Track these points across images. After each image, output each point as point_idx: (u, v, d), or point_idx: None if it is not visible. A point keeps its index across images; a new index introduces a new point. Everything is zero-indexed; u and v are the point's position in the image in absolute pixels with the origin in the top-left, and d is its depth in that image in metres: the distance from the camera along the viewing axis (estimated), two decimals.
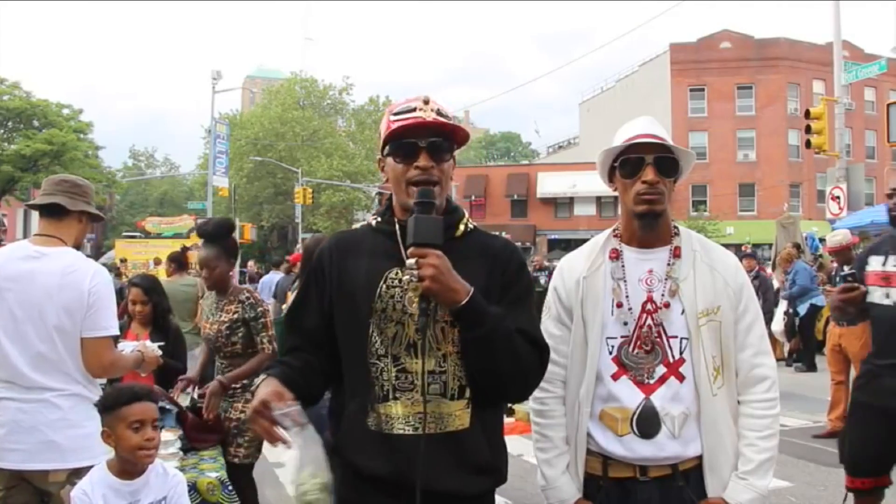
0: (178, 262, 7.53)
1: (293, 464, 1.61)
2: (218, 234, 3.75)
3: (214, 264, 3.64)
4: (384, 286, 1.74)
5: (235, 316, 3.58)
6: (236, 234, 3.60)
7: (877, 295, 3.20)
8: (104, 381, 3.80)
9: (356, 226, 1.99)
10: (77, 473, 2.53)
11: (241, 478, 3.63)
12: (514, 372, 1.72)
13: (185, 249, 8.75)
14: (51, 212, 2.80)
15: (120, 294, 4.57)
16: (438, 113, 1.78)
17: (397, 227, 1.80)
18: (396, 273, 1.75)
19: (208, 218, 3.77)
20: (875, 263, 3.27)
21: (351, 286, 1.78)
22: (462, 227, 1.85)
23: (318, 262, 1.87)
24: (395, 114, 1.81)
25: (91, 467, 2.48)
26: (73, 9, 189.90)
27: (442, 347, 1.73)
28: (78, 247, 2.91)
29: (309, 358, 1.82)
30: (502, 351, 1.68)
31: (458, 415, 1.73)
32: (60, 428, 2.59)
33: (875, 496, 3.25)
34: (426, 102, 1.78)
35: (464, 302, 1.63)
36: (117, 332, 2.84)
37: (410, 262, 1.62)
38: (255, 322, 3.59)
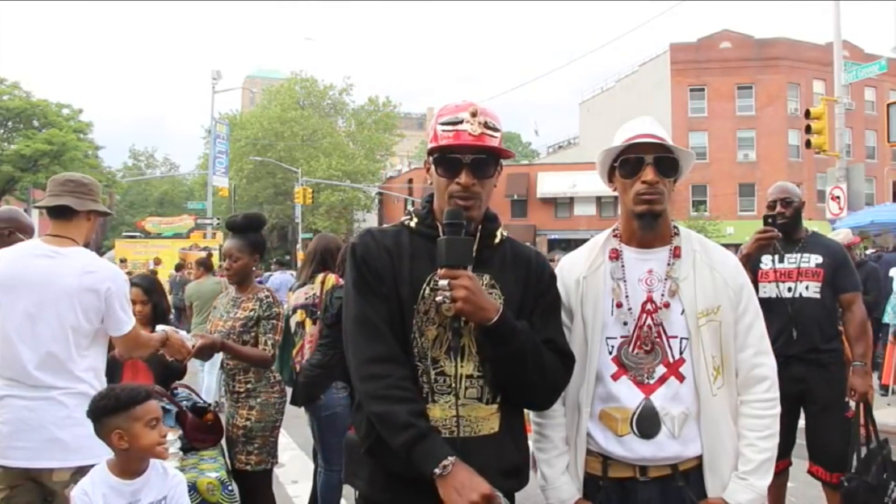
0: (206, 265, 8.85)
1: None
2: (246, 227, 3.73)
3: (237, 256, 3.64)
4: (427, 288, 1.76)
5: (252, 314, 3.56)
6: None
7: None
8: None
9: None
10: (81, 472, 2.52)
11: (258, 484, 3.61)
12: (541, 383, 1.78)
13: (210, 254, 9.66)
14: (59, 213, 2.81)
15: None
16: (486, 126, 1.78)
17: (440, 230, 1.80)
18: None
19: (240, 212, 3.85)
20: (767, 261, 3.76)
21: (397, 286, 1.78)
22: (499, 236, 1.88)
23: (365, 253, 1.81)
24: (442, 123, 1.80)
25: (92, 466, 2.48)
26: (73, 9, 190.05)
27: (481, 353, 1.76)
28: (86, 244, 2.93)
29: (405, 371, 1.73)
30: (532, 365, 1.73)
31: (490, 419, 1.77)
32: (67, 426, 2.59)
33: (784, 477, 3.81)
34: (474, 115, 1.77)
35: (494, 320, 1.67)
36: (133, 323, 2.89)
37: (443, 283, 1.65)
38: (267, 321, 3.56)
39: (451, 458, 1.61)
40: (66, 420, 2.60)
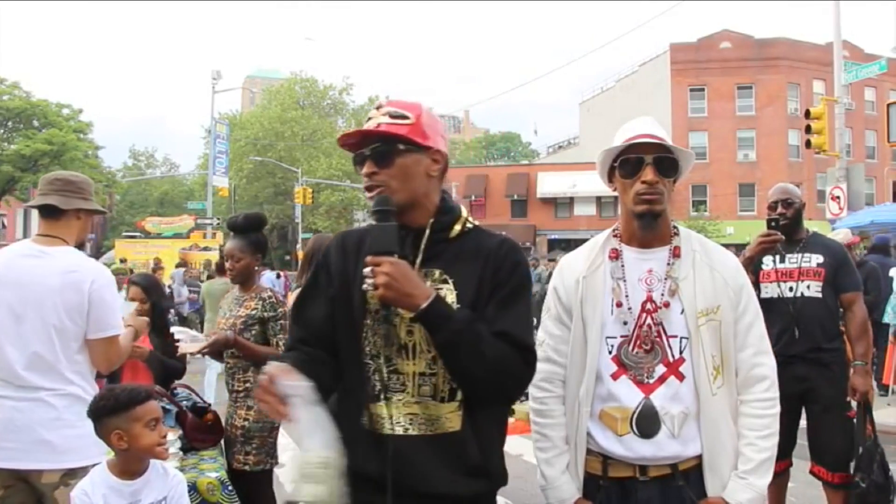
0: (220, 268, 9.51)
1: (299, 438, 1.58)
2: (247, 227, 3.73)
3: (240, 256, 3.63)
4: None
5: (253, 313, 3.56)
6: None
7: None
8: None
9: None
10: (71, 474, 2.51)
11: (257, 485, 3.60)
12: (485, 374, 1.69)
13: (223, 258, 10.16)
14: (47, 212, 2.79)
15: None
16: (389, 115, 1.79)
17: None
18: None
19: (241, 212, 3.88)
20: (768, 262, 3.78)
21: (349, 286, 1.80)
22: (458, 228, 1.83)
23: (325, 256, 1.90)
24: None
25: (85, 468, 2.47)
26: (73, 9, 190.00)
27: (433, 350, 1.73)
28: (81, 244, 2.91)
29: (313, 351, 1.82)
30: (468, 354, 1.66)
31: (450, 417, 1.73)
32: (55, 427, 2.57)
33: (785, 477, 3.80)
34: (378, 108, 1.83)
35: (423, 306, 1.64)
36: (121, 331, 2.83)
37: (366, 270, 1.66)
38: (274, 322, 3.56)
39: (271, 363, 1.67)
40: (54, 422, 2.57)
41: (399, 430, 1.71)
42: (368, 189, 1.79)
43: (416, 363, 1.73)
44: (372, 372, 1.76)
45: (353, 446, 1.71)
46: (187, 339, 3.65)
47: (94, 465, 2.46)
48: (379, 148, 1.78)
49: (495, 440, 1.83)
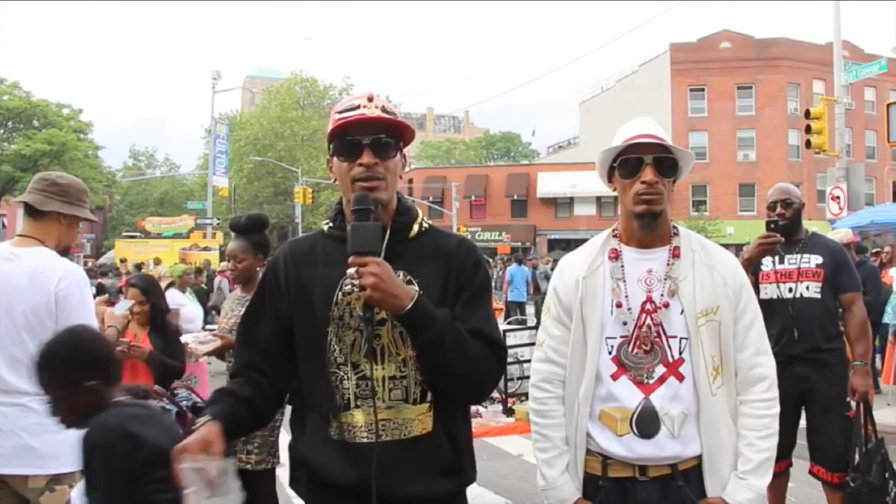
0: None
1: None
2: (249, 228, 3.73)
3: (242, 257, 3.64)
4: (340, 294, 1.72)
5: None
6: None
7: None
8: None
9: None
10: (57, 480, 2.48)
11: (260, 484, 3.60)
12: (467, 373, 1.69)
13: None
14: (27, 211, 2.73)
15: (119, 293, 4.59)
16: (383, 110, 1.75)
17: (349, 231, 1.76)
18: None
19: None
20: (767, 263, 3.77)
21: (308, 295, 1.75)
22: (416, 228, 1.81)
23: (272, 271, 1.83)
24: (340, 111, 1.78)
25: (72, 474, 2.46)
26: (73, 9, 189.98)
27: (402, 352, 1.71)
28: (67, 248, 2.82)
29: (259, 380, 1.78)
30: (453, 353, 1.65)
31: (421, 419, 1.71)
32: (38, 433, 2.51)
33: (785, 477, 3.81)
34: (370, 100, 1.75)
35: (408, 307, 1.61)
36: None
37: (351, 271, 1.61)
38: None
39: (204, 419, 1.64)
40: (37, 427, 2.51)
41: (373, 438, 1.68)
42: (365, 180, 1.71)
43: (386, 367, 1.70)
44: (339, 381, 1.72)
45: (323, 458, 1.70)
46: (196, 342, 3.66)
47: (80, 471, 2.47)
48: (382, 139, 1.73)
49: (465, 438, 1.84)
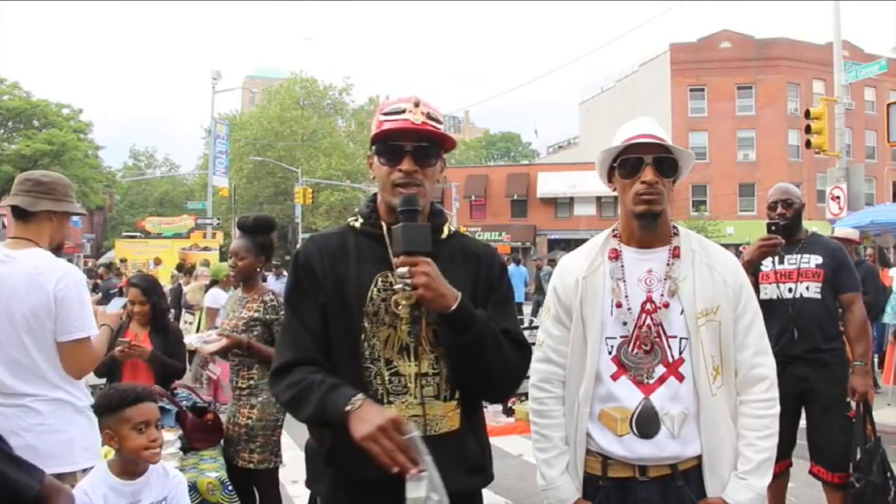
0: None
1: (417, 492, 1.53)
2: (256, 228, 3.76)
3: (243, 255, 3.67)
4: (375, 290, 1.75)
5: (255, 315, 3.58)
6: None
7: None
8: (102, 381, 3.82)
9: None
10: (59, 480, 2.49)
11: (262, 484, 3.61)
12: (501, 372, 1.76)
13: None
14: (17, 213, 2.71)
15: (120, 293, 4.59)
16: (428, 116, 1.78)
17: (384, 229, 1.80)
18: (387, 276, 1.76)
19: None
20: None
21: (342, 290, 1.77)
22: (446, 231, 1.86)
23: (307, 263, 1.82)
24: (385, 113, 1.80)
25: (73, 473, 2.47)
26: (74, 9, 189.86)
27: (435, 350, 1.74)
28: (59, 245, 2.81)
29: (324, 368, 1.76)
30: (491, 352, 1.70)
31: (450, 416, 1.75)
32: (40, 433, 2.52)
33: (785, 477, 3.81)
34: (416, 105, 1.78)
35: (454, 307, 1.65)
36: (93, 332, 2.73)
37: (402, 270, 1.63)
38: (279, 325, 3.59)
39: (361, 396, 1.62)
40: (38, 427, 2.52)
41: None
42: (404, 186, 1.75)
43: (419, 364, 1.73)
44: (373, 376, 1.74)
45: (352, 455, 1.68)
46: (201, 342, 3.67)
47: (82, 471, 2.47)
48: (424, 148, 1.77)
49: (485, 435, 1.89)
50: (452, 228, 1.89)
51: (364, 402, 1.61)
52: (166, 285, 13.26)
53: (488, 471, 1.85)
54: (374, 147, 1.83)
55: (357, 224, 1.87)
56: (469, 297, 1.73)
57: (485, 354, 1.70)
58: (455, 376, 1.75)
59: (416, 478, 1.53)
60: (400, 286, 1.66)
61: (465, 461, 1.74)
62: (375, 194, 1.89)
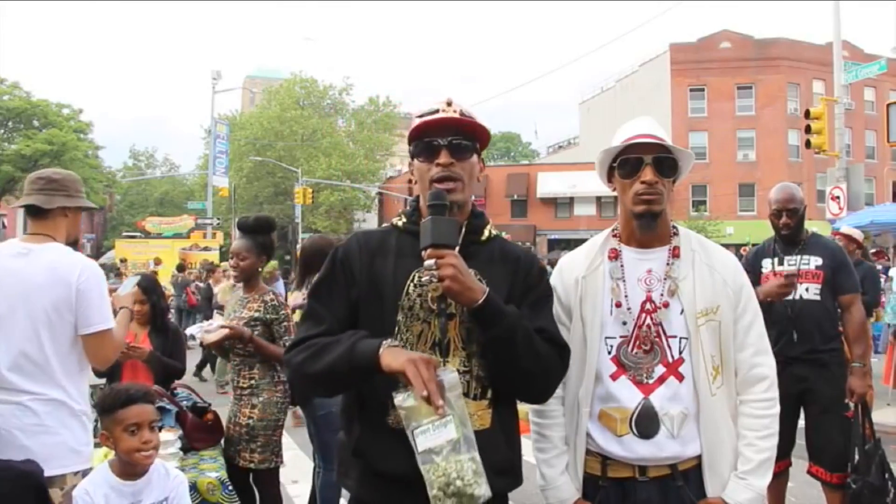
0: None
1: (440, 437, 1.56)
2: (256, 228, 3.78)
3: (245, 255, 3.69)
4: (411, 285, 1.77)
5: (256, 314, 3.59)
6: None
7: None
8: (102, 381, 3.82)
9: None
10: (49, 482, 2.44)
11: (265, 483, 3.62)
12: (535, 370, 1.75)
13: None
14: (32, 212, 2.75)
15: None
16: (461, 114, 1.82)
17: None
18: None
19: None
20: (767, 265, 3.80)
21: (379, 285, 1.79)
22: (487, 233, 1.88)
23: (345, 256, 1.85)
24: (420, 116, 1.85)
25: (63, 476, 2.46)
26: (74, 9, 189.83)
27: (467, 347, 1.75)
28: (75, 240, 2.85)
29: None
30: (522, 349, 1.70)
31: (480, 415, 1.75)
32: (34, 434, 2.49)
33: (785, 477, 3.82)
34: (449, 104, 1.84)
35: (480, 301, 1.66)
36: (113, 325, 2.75)
37: (429, 262, 1.65)
38: (279, 325, 3.60)
39: (391, 339, 1.66)
40: (34, 427, 2.49)
41: None
42: (440, 181, 1.78)
43: (451, 361, 1.74)
44: None
45: (379, 448, 1.71)
46: (202, 332, 3.68)
47: (74, 473, 2.47)
48: (458, 141, 1.80)
49: (517, 437, 1.87)
50: (494, 232, 1.91)
51: (398, 344, 1.66)
52: (166, 286, 13.29)
53: (518, 474, 1.83)
54: (411, 148, 1.87)
55: (400, 223, 1.90)
56: (505, 298, 1.75)
57: (516, 350, 1.70)
58: (488, 375, 1.76)
59: (441, 423, 1.55)
60: (427, 278, 1.69)
61: (494, 461, 1.71)
62: (419, 196, 1.92)
